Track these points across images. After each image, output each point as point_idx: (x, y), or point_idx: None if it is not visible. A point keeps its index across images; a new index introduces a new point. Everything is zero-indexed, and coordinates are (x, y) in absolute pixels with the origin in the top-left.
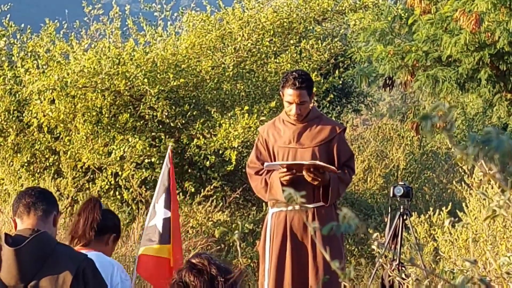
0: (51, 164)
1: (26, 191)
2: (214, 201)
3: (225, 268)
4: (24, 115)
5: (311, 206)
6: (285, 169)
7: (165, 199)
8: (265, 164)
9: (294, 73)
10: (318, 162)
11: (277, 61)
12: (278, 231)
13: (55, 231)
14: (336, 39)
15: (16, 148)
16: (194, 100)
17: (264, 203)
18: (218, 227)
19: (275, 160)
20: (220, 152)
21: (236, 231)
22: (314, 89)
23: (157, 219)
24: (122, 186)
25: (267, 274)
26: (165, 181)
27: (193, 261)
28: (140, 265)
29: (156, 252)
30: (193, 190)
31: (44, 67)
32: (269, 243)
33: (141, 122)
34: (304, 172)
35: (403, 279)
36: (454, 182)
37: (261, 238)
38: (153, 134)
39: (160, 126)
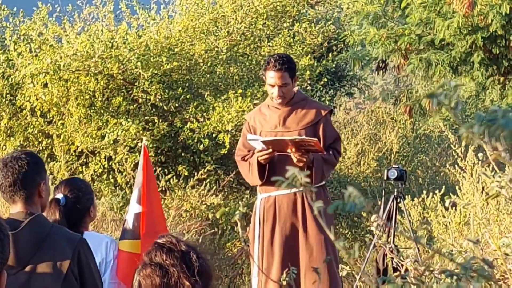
0: (44, 148)
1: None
2: (208, 184)
3: (193, 245)
4: (17, 98)
5: (299, 189)
6: (264, 148)
7: (138, 194)
8: (248, 136)
9: (275, 55)
10: (299, 137)
11: (271, 44)
12: (268, 216)
13: (44, 201)
14: (329, 23)
15: (9, 131)
16: (187, 84)
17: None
18: (212, 210)
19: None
20: (214, 135)
21: (237, 212)
22: (306, 72)
23: (130, 214)
24: (116, 169)
25: (257, 260)
26: (139, 176)
27: (160, 241)
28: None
29: (127, 248)
30: (186, 173)
31: (37, 50)
32: (258, 229)
33: (134, 105)
34: (289, 151)
35: (401, 261)
36: (447, 165)
37: (250, 224)
38: (146, 117)
39: (154, 110)
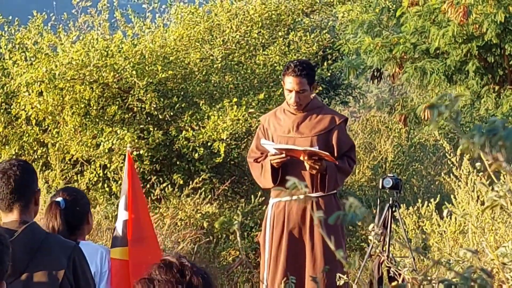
0: (39, 156)
1: None
2: (203, 193)
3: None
4: (12, 107)
5: (312, 195)
6: (277, 152)
7: (124, 201)
8: (262, 140)
9: (295, 61)
10: (311, 148)
11: (266, 53)
12: (278, 222)
13: (38, 208)
14: (324, 31)
15: (4, 140)
16: (182, 92)
17: (252, 195)
18: (207, 219)
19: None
20: (209, 144)
21: (236, 222)
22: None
23: (119, 221)
24: (111, 178)
25: (266, 265)
26: (125, 183)
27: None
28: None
29: (118, 255)
30: (181, 182)
31: (32, 59)
32: (269, 234)
33: (130, 114)
34: (302, 158)
35: (398, 270)
36: (442, 174)
37: (262, 229)
38: (141, 126)
39: (149, 118)
